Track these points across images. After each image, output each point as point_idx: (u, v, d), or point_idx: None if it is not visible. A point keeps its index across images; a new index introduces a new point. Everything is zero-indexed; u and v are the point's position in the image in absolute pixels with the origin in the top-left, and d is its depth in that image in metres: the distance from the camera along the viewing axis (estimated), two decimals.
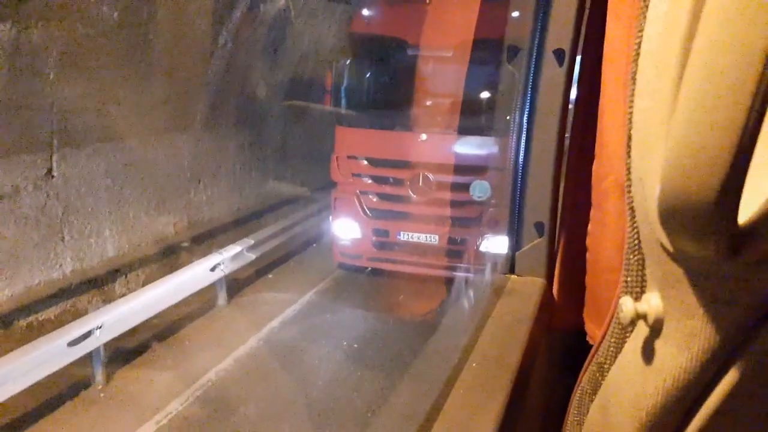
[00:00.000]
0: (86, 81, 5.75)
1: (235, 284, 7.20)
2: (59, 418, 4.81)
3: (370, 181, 6.78)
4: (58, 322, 5.56)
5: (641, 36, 0.53)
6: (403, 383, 5.46)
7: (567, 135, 1.53)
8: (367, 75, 6.86)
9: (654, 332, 0.58)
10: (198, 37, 7.02)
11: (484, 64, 6.21)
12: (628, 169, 0.58)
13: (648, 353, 0.60)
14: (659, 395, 0.58)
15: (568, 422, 0.94)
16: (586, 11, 1.42)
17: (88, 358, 5.14)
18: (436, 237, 6.50)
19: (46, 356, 4.70)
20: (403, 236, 6.62)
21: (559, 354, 1.53)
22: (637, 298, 0.61)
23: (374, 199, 6.80)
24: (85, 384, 5.21)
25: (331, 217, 7.11)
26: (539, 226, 1.56)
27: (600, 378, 0.78)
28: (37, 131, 5.46)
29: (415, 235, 6.57)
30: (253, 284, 7.41)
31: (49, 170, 5.72)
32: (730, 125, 0.40)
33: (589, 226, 1.34)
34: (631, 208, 0.59)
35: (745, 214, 0.44)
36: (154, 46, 6.37)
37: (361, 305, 6.97)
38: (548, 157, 1.52)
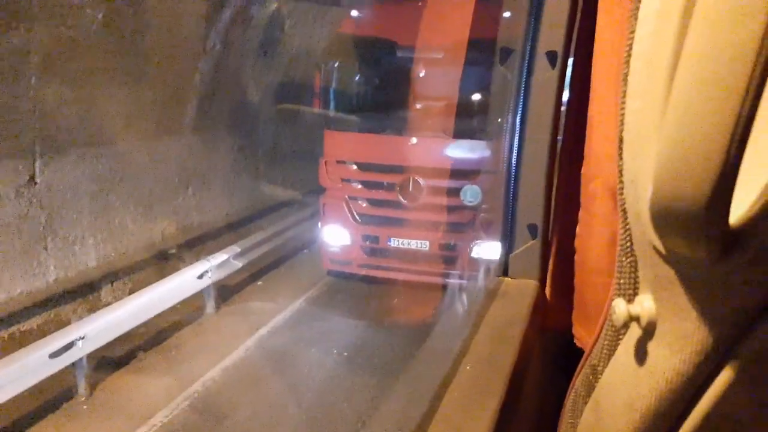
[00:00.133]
0: (70, 85, 5.63)
1: (224, 291, 7.07)
2: None
3: (359, 186, 6.65)
4: (41, 333, 5.43)
5: (632, 37, 0.53)
6: (394, 392, 5.36)
7: (560, 137, 1.53)
8: (356, 77, 6.75)
9: (647, 334, 0.58)
10: (187, 40, 6.91)
11: (475, 66, 6.10)
12: (620, 170, 0.58)
13: (641, 355, 0.60)
14: (653, 397, 0.58)
15: (562, 424, 0.94)
16: (579, 13, 1.42)
17: (72, 369, 5.01)
18: (427, 243, 6.39)
19: (27, 368, 4.57)
20: (394, 242, 6.49)
21: (552, 356, 1.51)
22: (629, 300, 0.61)
23: (364, 205, 6.67)
24: (68, 396, 5.09)
25: (319, 223, 6.98)
26: (532, 228, 1.56)
27: (593, 380, 0.78)
28: (18, 137, 5.33)
29: (406, 241, 6.44)
30: (243, 291, 7.30)
31: (32, 176, 5.59)
32: (721, 126, 0.40)
33: (578, 228, 1.34)
34: (623, 210, 0.59)
35: (737, 215, 0.44)
36: (141, 48, 6.27)
37: (351, 312, 6.85)
38: (541, 159, 1.52)
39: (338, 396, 5.24)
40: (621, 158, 0.57)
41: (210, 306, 6.67)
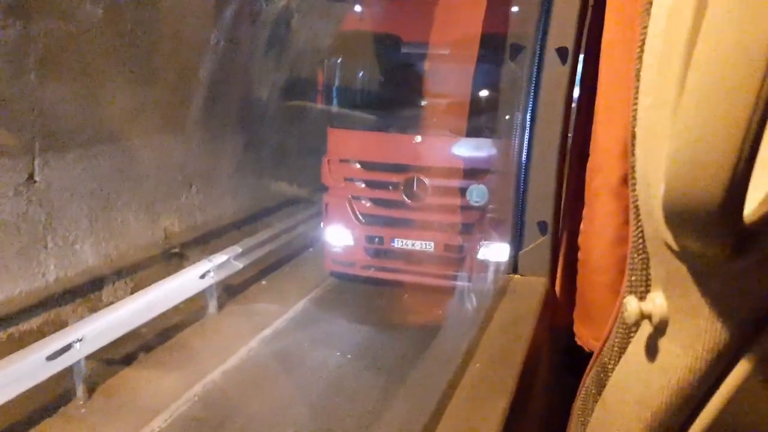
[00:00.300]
0: (70, 82, 5.54)
1: (227, 291, 6.98)
2: None
3: (363, 186, 6.50)
4: (41, 333, 5.36)
5: (645, 33, 0.53)
6: (399, 395, 5.24)
7: (570, 134, 1.52)
8: (360, 74, 6.58)
9: (659, 332, 0.58)
10: (190, 36, 6.80)
11: (481, 63, 5.92)
12: (633, 167, 0.57)
13: (653, 353, 0.60)
14: (664, 395, 0.58)
15: (572, 422, 0.94)
16: (590, 9, 1.41)
17: (70, 371, 4.93)
18: (432, 244, 6.22)
19: (23, 371, 4.49)
20: (398, 243, 6.33)
21: (562, 353, 1.49)
22: (641, 298, 0.60)
23: (367, 204, 6.51)
24: (66, 399, 5.01)
25: (322, 223, 6.84)
26: (542, 226, 1.55)
27: (604, 378, 0.78)
28: (17, 135, 5.24)
29: (410, 242, 6.28)
30: (246, 291, 7.19)
31: (31, 175, 5.50)
32: (734, 122, 0.40)
33: (581, 225, 1.35)
34: (636, 207, 0.59)
35: (751, 212, 0.43)
36: (142, 45, 6.16)
37: (357, 313, 6.72)
38: (551, 156, 1.51)
39: (342, 400, 5.12)
40: (633, 155, 0.56)
41: (212, 306, 6.57)
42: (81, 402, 5.00)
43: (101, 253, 6.33)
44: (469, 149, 6.06)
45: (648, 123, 0.52)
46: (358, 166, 6.48)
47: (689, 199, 0.44)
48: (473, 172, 5.95)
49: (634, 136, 0.56)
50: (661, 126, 0.47)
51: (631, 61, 0.57)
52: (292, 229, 8.21)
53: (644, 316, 0.58)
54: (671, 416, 0.59)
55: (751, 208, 0.43)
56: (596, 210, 1.27)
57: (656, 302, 0.57)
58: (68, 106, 5.60)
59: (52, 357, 4.72)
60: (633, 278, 0.63)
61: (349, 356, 5.84)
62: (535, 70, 1.50)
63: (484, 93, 6.10)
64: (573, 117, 1.50)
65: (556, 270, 1.57)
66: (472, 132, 6.04)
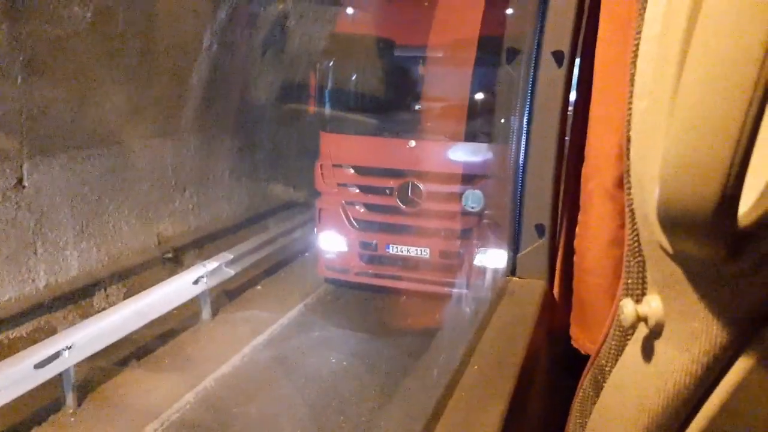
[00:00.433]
0: (59, 85, 5.46)
1: (222, 296, 6.89)
2: None
3: (356, 191, 6.39)
4: (31, 340, 5.27)
5: (639, 38, 0.53)
6: (393, 403, 5.17)
7: (567, 137, 1.53)
8: (353, 78, 6.49)
9: (655, 334, 0.59)
10: (183, 38, 6.72)
11: (476, 66, 5.83)
12: (628, 170, 0.58)
13: (649, 355, 0.60)
14: (661, 397, 0.58)
15: (570, 425, 0.94)
16: (585, 13, 1.41)
17: (60, 379, 4.85)
18: (427, 250, 6.12)
19: (11, 379, 4.40)
20: (392, 249, 6.23)
21: (560, 356, 1.49)
22: (637, 301, 0.61)
23: (361, 210, 6.41)
24: (56, 407, 4.93)
25: (315, 229, 6.75)
26: (540, 228, 1.56)
27: (602, 380, 0.78)
28: (5, 139, 5.16)
29: (405, 248, 6.18)
30: (241, 296, 7.11)
31: (20, 180, 5.42)
32: (728, 126, 0.40)
33: (577, 228, 1.36)
34: (631, 210, 0.59)
35: (745, 215, 0.43)
36: (133, 47, 6.08)
37: (353, 319, 6.64)
38: (548, 159, 1.52)
39: (335, 409, 5.04)
40: (628, 158, 0.57)
41: (206, 312, 6.49)
42: (71, 410, 4.92)
43: (93, 258, 6.25)
44: (464, 154, 5.97)
45: (642, 127, 0.52)
46: (352, 171, 6.38)
47: (684, 202, 0.44)
48: (469, 177, 5.86)
49: (628, 140, 0.56)
50: (656, 130, 0.47)
51: (625, 64, 0.57)
52: (288, 233, 8.12)
53: (640, 318, 0.59)
54: (668, 418, 0.59)
55: (745, 212, 0.43)
56: (591, 213, 1.27)
57: (652, 305, 0.57)
58: (58, 109, 5.53)
59: (40, 365, 4.63)
60: (629, 281, 0.63)
61: (344, 363, 5.76)
62: (531, 73, 1.50)
63: (479, 97, 6.01)
64: (570, 120, 1.51)
65: (554, 272, 1.57)
66: (468, 136, 5.96)
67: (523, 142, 1.56)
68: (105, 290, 6.36)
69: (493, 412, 1.01)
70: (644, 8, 0.52)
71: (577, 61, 1.47)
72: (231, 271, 6.64)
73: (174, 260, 7.07)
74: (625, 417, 0.66)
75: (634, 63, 0.54)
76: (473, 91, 5.98)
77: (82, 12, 5.35)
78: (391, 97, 6.41)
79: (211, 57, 7.20)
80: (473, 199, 5.75)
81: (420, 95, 6.35)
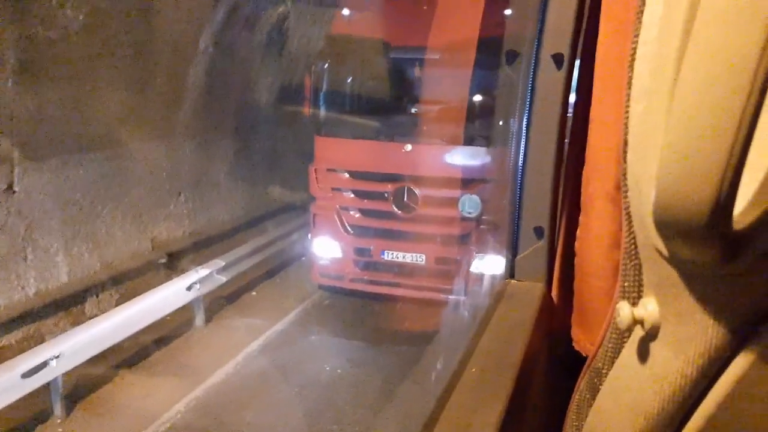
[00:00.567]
0: (51, 88, 5.38)
1: (216, 302, 6.79)
2: None
3: (351, 196, 6.26)
4: (20, 349, 5.17)
5: (636, 41, 0.53)
6: (388, 412, 5.07)
7: (566, 140, 1.53)
8: (348, 80, 6.37)
9: (651, 337, 0.59)
10: (178, 40, 6.63)
11: (475, 68, 5.72)
12: (624, 173, 0.58)
13: (645, 358, 0.61)
14: (656, 400, 0.58)
15: (567, 427, 0.95)
16: (585, 16, 1.42)
17: (47, 389, 4.75)
18: (423, 257, 5.99)
19: None
20: (388, 255, 6.11)
21: (558, 359, 1.49)
22: (633, 303, 0.61)
23: (356, 215, 6.28)
24: (43, 418, 4.82)
25: (309, 235, 6.63)
26: (538, 231, 1.56)
27: (598, 383, 0.78)
28: None
29: (401, 254, 6.05)
30: (235, 302, 7.00)
31: (10, 185, 5.33)
32: (724, 130, 0.40)
33: (578, 231, 1.36)
34: (628, 213, 0.59)
35: (741, 218, 0.43)
36: (127, 50, 6.00)
37: (349, 326, 6.54)
38: (547, 161, 1.52)
39: (330, 420, 4.93)
40: (625, 161, 0.57)
41: (199, 318, 6.38)
42: (59, 420, 4.81)
43: (84, 264, 6.15)
44: (461, 158, 5.85)
45: (639, 129, 0.52)
46: (347, 175, 6.25)
47: (679, 205, 0.45)
48: (466, 181, 5.74)
49: (625, 143, 0.56)
50: (652, 132, 0.47)
51: (625, 67, 0.57)
52: (285, 238, 8.02)
53: (636, 321, 0.59)
54: (664, 421, 0.59)
55: (740, 215, 0.43)
56: (592, 215, 1.27)
57: (648, 308, 0.58)
58: (49, 113, 5.44)
59: (27, 374, 4.54)
60: (625, 284, 0.64)
61: (339, 371, 5.65)
62: (531, 76, 1.50)
63: (476, 100, 5.89)
64: (569, 123, 1.51)
65: (553, 275, 1.58)
66: (465, 140, 5.84)
67: (522, 145, 1.56)
68: (97, 297, 6.26)
69: (491, 413, 1.01)
70: (642, 11, 0.52)
71: (577, 63, 1.47)
72: (224, 278, 6.54)
73: (168, 266, 6.97)
74: (621, 419, 0.66)
75: (631, 66, 0.54)
76: (470, 94, 5.86)
77: (75, 13, 5.27)
78: (387, 100, 6.29)
79: (206, 59, 7.12)
80: (470, 204, 5.63)
81: (416, 98, 6.23)
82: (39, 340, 5.32)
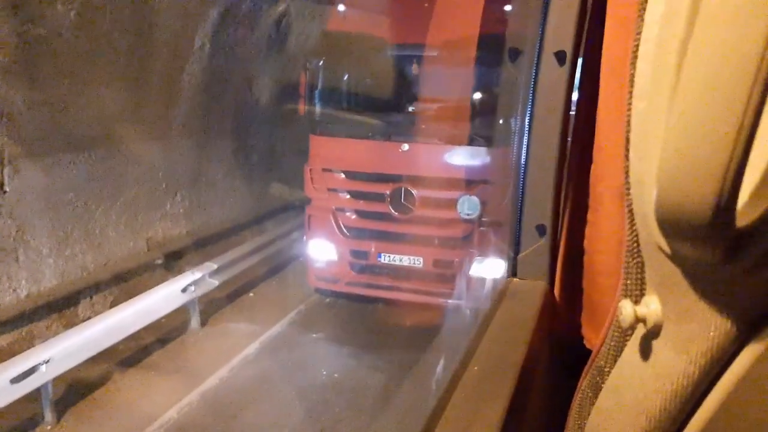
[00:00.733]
0: (42, 86, 5.27)
1: (212, 304, 6.69)
2: None
3: (347, 197, 6.11)
4: (11, 352, 5.07)
5: (638, 39, 0.53)
6: (386, 417, 4.96)
7: (569, 138, 1.52)
8: (344, 78, 6.22)
9: (653, 335, 0.59)
10: (172, 37, 6.51)
11: (475, 66, 5.57)
12: (626, 171, 0.58)
13: (648, 357, 0.61)
14: (659, 398, 0.58)
15: (569, 425, 0.95)
16: (588, 13, 1.42)
17: (38, 394, 4.66)
18: (421, 259, 5.84)
19: None
20: (385, 258, 5.96)
21: (560, 357, 1.49)
22: (636, 302, 0.61)
23: (352, 217, 6.13)
24: (33, 424, 4.73)
25: (305, 237, 6.49)
26: (541, 229, 1.56)
27: (600, 382, 0.78)
28: None
29: (398, 257, 5.90)
30: (232, 304, 6.89)
31: (1, 185, 5.23)
32: (726, 128, 0.40)
33: (586, 229, 1.37)
34: (630, 211, 0.59)
35: (743, 216, 0.43)
36: (120, 47, 5.88)
37: (347, 328, 6.43)
38: (550, 159, 1.52)
39: (327, 425, 4.83)
40: (627, 159, 0.57)
41: (195, 321, 6.28)
42: (49, 427, 4.72)
43: (78, 265, 6.06)
44: (460, 158, 5.69)
45: (641, 128, 0.52)
46: (342, 176, 6.11)
47: (681, 204, 0.45)
48: (464, 182, 5.59)
49: (627, 141, 0.56)
50: (654, 131, 0.47)
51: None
52: (283, 237, 7.91)
53: (639, 319, 0.59)
54: (666, 419, 0.59)
55: (743, 213, 0.43)
56: (602, 214, 1.28)
57: (651, 306, 0.58)
58: (40, 111, 5.34)
59: (16, 380, 4.44)
60: (628, 282, 0.64)
61: (336, 375, 5.54)
62: (533, 73, 1.50)
63: (476, 98, 5.74)
64: (572, 121, 1.51)
65: (555, 273, 1.57)
66: (464, 140, 5.69)
67: (524, 143, 1.55)
68: (91, 299, 6.16)
69: (493, 412, 1.01)
70: (644, 9, 0.52)
71: (580, 60, 1.47)
72: (220, 279, 6.43)
73: (164, 267, 6.87)
74: (623, 418, 0.66)
75: (633, 64, 0.54)
76: (470, 93, 5.71)
77: (66, 10, 5.16)
78: (383, 99, 6.13)
79: (202, 57, 7.00)
80: (469, 205, 5.48)
81: (413, 96, 6.07)
82: (32, 343, 5.22)
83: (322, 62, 6.15)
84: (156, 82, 6.56)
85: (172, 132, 7.10)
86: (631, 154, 0.55)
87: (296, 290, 7.08)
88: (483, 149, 5.52)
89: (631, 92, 0.54)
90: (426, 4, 5.79)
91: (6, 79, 4.91)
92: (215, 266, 6.38)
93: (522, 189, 1.58)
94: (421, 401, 4.80)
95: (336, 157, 6.04)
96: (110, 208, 6.39)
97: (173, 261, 7.00)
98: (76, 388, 5.12)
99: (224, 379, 5.44)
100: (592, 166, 1.30)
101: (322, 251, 6.21)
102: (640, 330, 0.62)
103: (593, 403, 0.80)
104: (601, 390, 0.77)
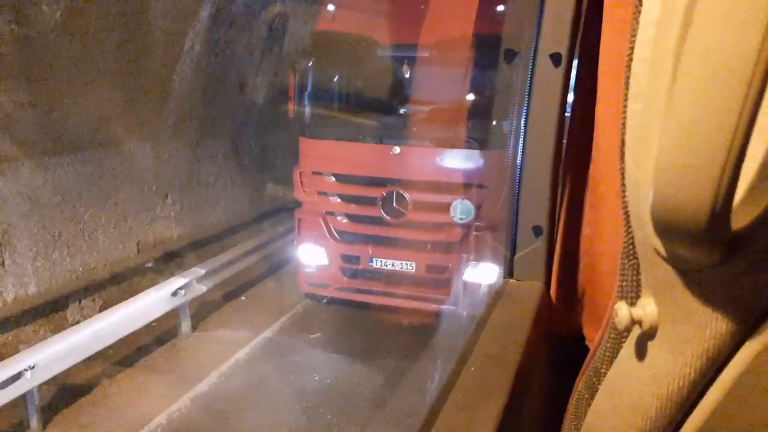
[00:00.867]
0: (27, 88, 5.19)
1: (204, 308, 6.61)
2: None
3: (338, 200, 6.01)
4: None
5: (634, 41, 0.53)
6: (379, 421, 4.90)
7: (564, 139, 1.53)
8: (335, 79, 6.11)
9: (649, 337, 0.59)
10: (162, 38, 6.43)
11: (469, 67, 5.48)
12: (622, 173, 0.58)
13: (643, 358, 0.61)
14: (655, 400, 0.59)
15: (565, 426, 0.95)
16: (583, 15, 1.43)
17: (23, 401, 4.57)
18: (413, 264, 5.76)
19: None
20: (376, 263, 5.87)
21: (557, 358, 1.48)
22: (632, 304, 0.61)
23: (343, 221, 6.03)
24: (19, 431, 4.64)
25: (295, 241, 6.38)
26: (537, 230, 1.57)
27: (596, 383, 0.78)
28: None
29: (390, 261, 5.81)
30: (223, 308, 6.82)
31: None
32: (721, 130, 0.41)
33: (586, 230, 1.40)
34: (626, 213, 0.60)
35: (738, 219, 0.44)
36: (108, 48, 5.80)
37: (341, 331, 6.36)
38: (546, 160, 1.52)
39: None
40: (623, 161, 0.57)
41: (186, 325, 6.20)
42: None
43: (66, 269, 5.97)
44: (453, 161, 5.60)
45: (637, 130, 0.52)
46: (333, 179, 6.01)
47: (677, 206, 0.45)
48: (458, 186, 5.51)
49: (623, 143, 0.56)
50: (650, 133, 0.47)
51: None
52: (276, 240, 7.83)
53: (634, 321, 0.59)
54: (662, 421, 0.59)
55: (738, 215, 0.43)
56: (603, 214, 1.28)
57: (646, 308, 0.58)
58: (26, 113, 5.25)
59: (0, 386, 4.36)
60: (624, 284, 0.64)
61: (328, 381, 5.47)
62: (528, 75, 1.51)
63: (469, 100, 5.66)
64: (567, 122, 1.52)
65: (551, 274, 1.58)
66: (457, 142, 5.61)
67: (520, 144, 1.56)
68: (79, 303, 6.08)
69: (490, 412, 1.01)
70: (639, 12, 0.51)
71: (575, 62, 1.48)
72: (211, 282, 6.35)
73: (155, 270, 6.79)
74: (619, 419, 0.67)
75: (628, 66, 0.53)
76: (463, 94, 5.62)
77: (52, 10, 5.07)
78: (374, 100, 6.04)
79: (193, 57, 6.92)
80: (462, 209, 5.40)
81: (405, 98, 5.96)
82: (17, 348, 5.14)
83: (311, 63, 6.05)
84: (145, 82, 6.48)
85: (163, 134, 7.02)
86: (627, 156, 0.55)
87: (290, 293, 7.00)
88: (476, 152, 5.43)
89: (626, 94, 0.54)
90: (418, 4, 5.71)
91: None
92: (210, 267, 6.30)
93: (518, 190, 1.58)
94: (414, 409, 4.75)
95: (326, 159, 5.93)
96: (99, 210, 6.31)
97: (164, 264, 6.92)
98: (63, 394, 5.04)
99: (214, 384, 5.36)
100: (592, 167, 1.30)
101: (312, 256, 6.11)
102: (636, 332, 0.62)
103: (589, 405, 0.80)
104: (597, 391, 0.77)
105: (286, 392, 5.27)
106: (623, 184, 0.58)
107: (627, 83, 0.54)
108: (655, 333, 0.57)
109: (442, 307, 5.66)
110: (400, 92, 5.91)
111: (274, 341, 6.14)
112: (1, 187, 5.21)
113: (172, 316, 6.11)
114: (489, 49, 5.22)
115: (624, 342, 0.67)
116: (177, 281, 6.04)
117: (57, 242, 5.85)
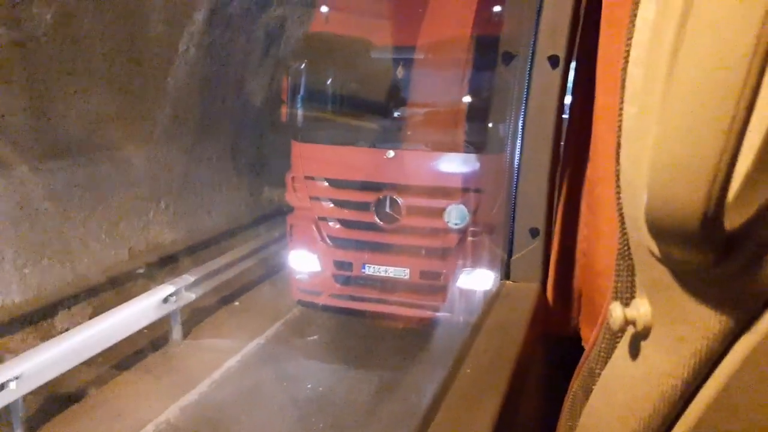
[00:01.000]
0: (17, 93, 5.10)
1: (196, 314, 6.51)
2: None
3: (330, 206, 5.90)
4: None
5: (630, 43, 0.53)
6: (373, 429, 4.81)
7: (562, 141, 1.53)
8: (328, 82, 6.01)
9: (643, 337, 0.60)
10: (155, 41, 6.35)
11: (465, 70, 5.38)
12: (618, 175, 0.58)
13: (638, 359, 0.62)
14: (649, 400, 0.59)
15: (561, 427, 0.95)
16: (581, 18, 1.43)
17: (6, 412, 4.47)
18: (407, 271, 5.65)
19: None
20: (370, 270, 5.75)
21: (553, 359, 1.48)
22: (626, 304, 0.61)
23: (336, 227, 5.91)
24: None
25: (288, 247, 6.27)
26: (534, 231, 1.57)
27: (591, 383, 0.79)
28: None
29: (383, 268, 5.70)
30: (216, 314, 6.72)
31: None
32: (715, 133, 0.41)
33: (584, 231, 1.40)
34: (621, 214, 0.60)
35: (731, 220, 0.44)
36: (99, 52, 5.71)
37: (335, 338, 6.26)
38: (543, 162, 1.53)
39: None
40: (618, 163, 0.57)
41: (177, 332, 6.10)
42: None
43: (56, 276, 5.88)
44: (447, 165, 5.50)
45: (632, 132, 0.52)
46: (326, 183, 5.89)
47: (671, 207, 0.45)
48: (452, 190, 5.40)
49: (619, 144, 0.56)
50: (645, 134, 0.47)
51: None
52: (272, 244, 7.73)
53: (629, 322, 0.59)
54: (656, 421, 0.60)
55: (731, 216, 0.44)
56: (601, 216, 1.29)
57: (641, 309, 0.58)
58: (15, 118, 5.16)
59: None
60: (619, 284, 0.64)
61: (320, 389, 5.37)
62: (526, 77, 1.51)
63: (465, 103, 5.55)
64: (565, 124, 1.52)
65: (548, 276, 1.58)
66: (452, 146, 5.51)
67: (517, 146, 1.56)
68: (69, 309, 5.98)
69: (486, 412, 1.02)
70: (635, 14, 0.51)
71: (573, 65, 1.48)
72: (203, 289, 6.25)
73: (147, 276, 6.69)
74: (614, 419, 0.67)
75: (625, 69, 0.53)
76: (459, 98, 5.52)
77: (41, 15, 4.99)
78: (368, 103, 5.94)
79: (186, 61, 6.84)
80: (457, 214, 5.29)
81: (400, 101, 5.85)
82: (2, 358, 5.04)
83: (304, 65, 5.95)
84: (137, 86, 6.39)
85: (155, 138, 6.93)
86: (622, 158, 0.55)
87: (285, 298, 6.89)
88: (472, 156, 5.33)
89: (622, 97, 0.54)
90: (414, 5, 5.61)
91: None
92: (202, 273, 6.21)
93: (515, 192, 1.59)
94: (408, 416, 4.65)
95: (319, 164, 5.82)
96: (90, 216, 6.22)
97: (157, 270, 6.82)
98: (49, 405, 4.94)
99: (205, 393, 5.26)
100: (589, 169, 1.31)
101: (304, 262, 5.99)
102: (630, 332, 0.62)
103: (584, 405, 0.81)
104: (592, 391, 0.77)
105: (279, 400, 5.17)
106: (618, 186, 0.58)
107: (623, 85, 0.55)
108: (649, 333, 0.58)
109: (437, 314, 5.55)
110: (394, 95, 5.80)
111: (267, 348, 6.04)
112: None
113: (165, 322, 6.02)
114: (485, 52, 5.13)
115: (618, 342, 0.68)
116: (168, 288, 5.95)
117: (47, 249, 5.76)
